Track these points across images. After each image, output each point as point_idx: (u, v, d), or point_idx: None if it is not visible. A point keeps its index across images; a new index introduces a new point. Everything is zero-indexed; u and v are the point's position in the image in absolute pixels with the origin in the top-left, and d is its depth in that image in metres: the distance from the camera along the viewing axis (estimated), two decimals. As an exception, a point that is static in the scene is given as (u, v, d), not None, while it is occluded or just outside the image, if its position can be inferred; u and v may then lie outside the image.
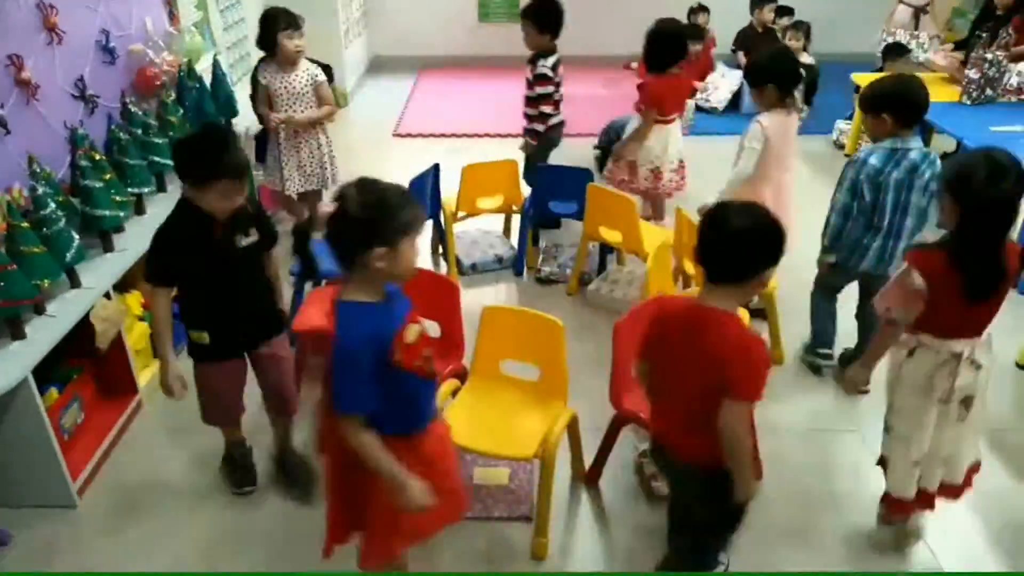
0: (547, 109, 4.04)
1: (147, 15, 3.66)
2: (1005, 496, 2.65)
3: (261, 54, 3.88)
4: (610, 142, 4.82)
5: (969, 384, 2.19)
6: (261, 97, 3.82)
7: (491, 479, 2.66)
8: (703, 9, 6.73)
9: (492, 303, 2.67)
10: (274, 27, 3.65)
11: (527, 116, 4.14)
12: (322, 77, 3.81)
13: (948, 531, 2.50)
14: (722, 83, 6.65)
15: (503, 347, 2.62)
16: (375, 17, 7.98)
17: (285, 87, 3.74)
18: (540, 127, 4.09)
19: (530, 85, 4.05)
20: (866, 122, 2.89)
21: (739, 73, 6.68)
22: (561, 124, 4.20)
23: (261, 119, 3.95)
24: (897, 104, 2.75)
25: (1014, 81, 5.03)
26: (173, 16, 3.95)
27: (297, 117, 3.77)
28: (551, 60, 3.96)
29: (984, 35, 5.38)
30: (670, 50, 3.97)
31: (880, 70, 6.00)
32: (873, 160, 2.79)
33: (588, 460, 2.67)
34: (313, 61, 3.87)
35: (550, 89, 4.00)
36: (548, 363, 2.55)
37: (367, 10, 7.84)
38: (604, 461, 2.65)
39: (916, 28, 6.32)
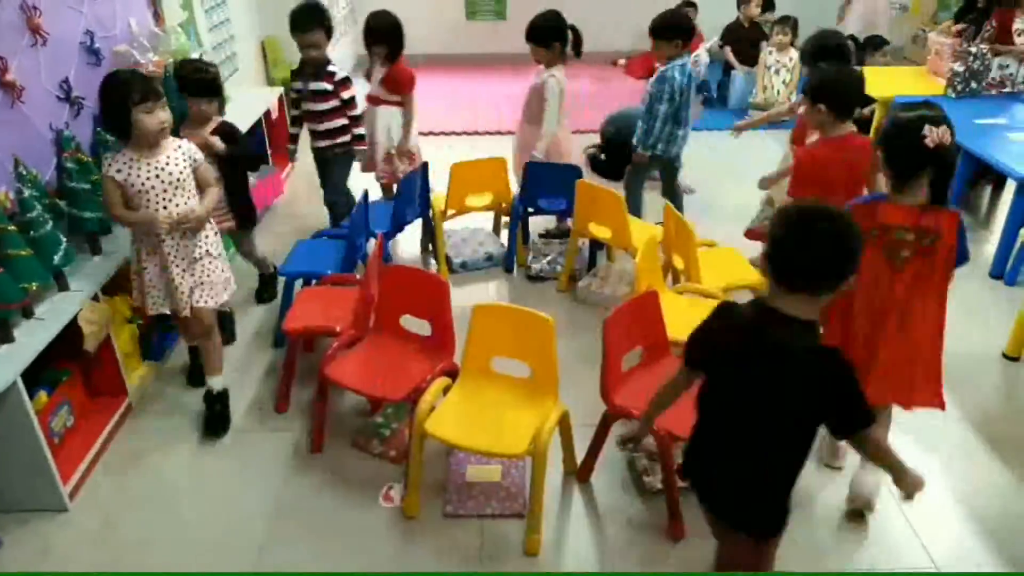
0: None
1: (132, 16, 3.64)
2: (995, 487, 2.67)
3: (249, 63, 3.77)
4: (616, 134, 4.83)
5: None
6: (113, 200, 2.63)
7: (484, 476, 2.67)
8: (691, 5, 6.75)
9: (482, 301, 2.67)
10: (124, 100, 2.51)
11: None
12: (200, 156, 2.78)
13: (938, 523, 2.52)
14: (700, 68, 6.71)
15: (494, 344, 2.62)
16: (362, 16, 7.90)
17: (154, 176, 2.62)
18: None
19: None
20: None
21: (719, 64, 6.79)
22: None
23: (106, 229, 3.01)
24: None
25: (997, 75, 5.07)
26: (158, 16, 3.93)
27: (196, 211, 2.69)
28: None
29: (968, 28, 5.42)
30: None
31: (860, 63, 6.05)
32: (678, 75, 3.79)
33: (580, 456, 2.68)
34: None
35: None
36: (539, 360, 2.56)
37: (354, 8, 7.82)
38: (596, 457, 2.66)
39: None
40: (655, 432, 2.38)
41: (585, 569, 2.39)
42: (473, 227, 4.35)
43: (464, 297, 3.65)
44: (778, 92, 6.31)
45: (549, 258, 4.07)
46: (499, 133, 5.97)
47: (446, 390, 2.59)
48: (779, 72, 6.35)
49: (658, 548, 2.44)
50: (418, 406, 2.47)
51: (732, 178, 5.24)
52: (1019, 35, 4.93)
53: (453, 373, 2.67)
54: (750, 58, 6.67)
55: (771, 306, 1.68)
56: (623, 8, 7.33)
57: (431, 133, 6.03)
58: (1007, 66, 5.04)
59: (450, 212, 4.03)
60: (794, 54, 6.26)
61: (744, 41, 6.74)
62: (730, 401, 1.75)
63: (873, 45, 6.11)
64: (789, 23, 6.30)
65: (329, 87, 3.85)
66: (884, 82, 5.29)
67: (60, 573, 2.35)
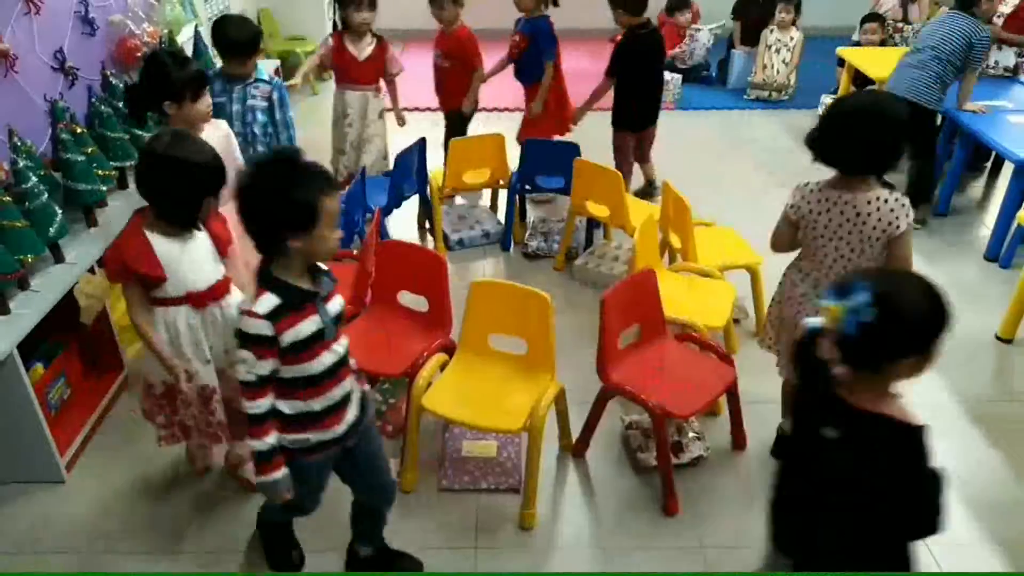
0: None
1: (126, -15, 3.58)
2: (989, 468, 2.69)
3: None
4: None
5: None
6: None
7: (480, 452, 2.68)
8: None
9: (479, 278, 2.68)
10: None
11: None
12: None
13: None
14: (696, 44, 6.68)
15: (492, 321, 2.63)
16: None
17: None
18: None
19: None
20: None
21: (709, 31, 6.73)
22: None
23: None
24: None
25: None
26: (153, -14, 3.87)
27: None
28: None
29: None
30: None
31: (857, 43, 6.00)
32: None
33: (576, 433, 2.70)
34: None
35: None
36: (536, 337, 2.56)
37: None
38: (591, 433, 2.68)
39: (905, 17, 6.19)
40: (650, 409, 2.40)
41: (579, 544, 2.41)
42: (470, 204, 4.34)
43: (460, 274, 3.66)
44: (777, 71, 6.26)
45: (546, 236, 4.06)
46: (496, 109, 5.93)
47: (443, 366, 2.60)
48: (779, 51, 6.28)
49: (652, 523, 2.46)
50: (415, 382, 2.48)
51: (731, 155, 5.23)
52: (999, 17, 4.89)
53: (450, 349, 2.68)
54: (755, 38, 6.59)
55: None
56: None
57: (428, 109, 5.98)
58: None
59: (447, 189, 4.02)
60: (796, 33, 6.21)
61: (754, 19, 6.55)
62: None
63: (871, 21, 6.02)
64: (792, 2, 6.19)
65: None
66: (885, 62, 5.27)
67: (60, 574, 2.34)
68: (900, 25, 6.07)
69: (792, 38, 6.23)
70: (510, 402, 2.45)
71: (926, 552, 2.36)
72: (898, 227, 2.16)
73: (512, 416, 2.39)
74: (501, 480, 2.59)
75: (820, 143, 2.21)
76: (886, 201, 2.17)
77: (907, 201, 2.19)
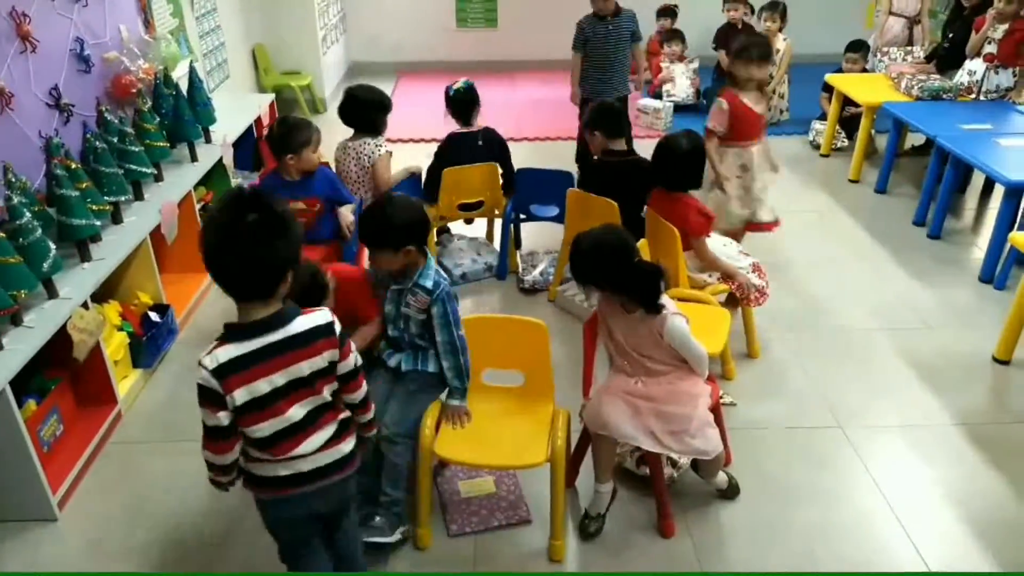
0: None
1: (122, 23, 3.63)
2: (987, 490, 2.67)
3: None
4: None
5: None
6: None
7: (478, 490, 2.64)
8: (670, 11, 7.12)
9: (475, 310, 2.66)
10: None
11: None
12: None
13: (931, 526, 2.53)
14: (678, 78, 6.75)
15: (485, 357, 2.57)
16: (353, 23, 7.97)
17: None
18: None
19: None
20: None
21: (692, 66, 6.81)
22: None
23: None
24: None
25: (964, 80, 5.10)
26: (148, 24, 3.93)
27: None
28: None
29: (952, 35, 5.46)
30: None
31: (839, 70, 6.06)
32: None
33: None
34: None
35: None
36: (534, 366, 2.54)
37: (345, 16, 7.83)
38: (580, 461, 2.64)
39: (910, 42, 6.21)
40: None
41: (596, 564, 2.38)
42: (468, 236, 4.34)
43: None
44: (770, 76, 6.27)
45: (540, 268, 4.04)
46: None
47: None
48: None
49: (649, 546, 2.45)
50: (420, 432, 2.37)
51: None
52: (990, 43, 4.95)
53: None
54: None
55: None
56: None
57: (422, 140, 6.03)
58: (974, 72, 5.06)
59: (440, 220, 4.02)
60: (782, 43, 6.18)
61: (735, 41, 6.63)
62: None
63: (854, 48, 6.07)
64: (778, 9, 6.17)
65: None
66: (871, 88, 5.34)
67: (59, 573, 2.33)
68: (911, 49, 6.05)
69: (778, 48, 6.16)
70: (520, 436, 2.42)
71: (924, 568, 2.35)
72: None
73: (531, 451, 2.35)
74: (511, 515, 2.54)
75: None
76: None
77: None
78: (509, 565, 2.40)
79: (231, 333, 1.68)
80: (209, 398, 1.66)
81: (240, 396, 1.66)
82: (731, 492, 2.60)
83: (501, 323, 2.63)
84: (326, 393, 1.79)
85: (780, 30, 6.23)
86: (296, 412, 1.75)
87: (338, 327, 1.78)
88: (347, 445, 1.88)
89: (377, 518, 2.37)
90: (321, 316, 1.76)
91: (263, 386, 1.68)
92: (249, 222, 1.59)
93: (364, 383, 1.90)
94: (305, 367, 1.73)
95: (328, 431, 1.83)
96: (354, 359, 1.83)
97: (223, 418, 1.67)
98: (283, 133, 3.24)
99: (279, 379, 1.70)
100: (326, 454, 1.83)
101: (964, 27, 5.29)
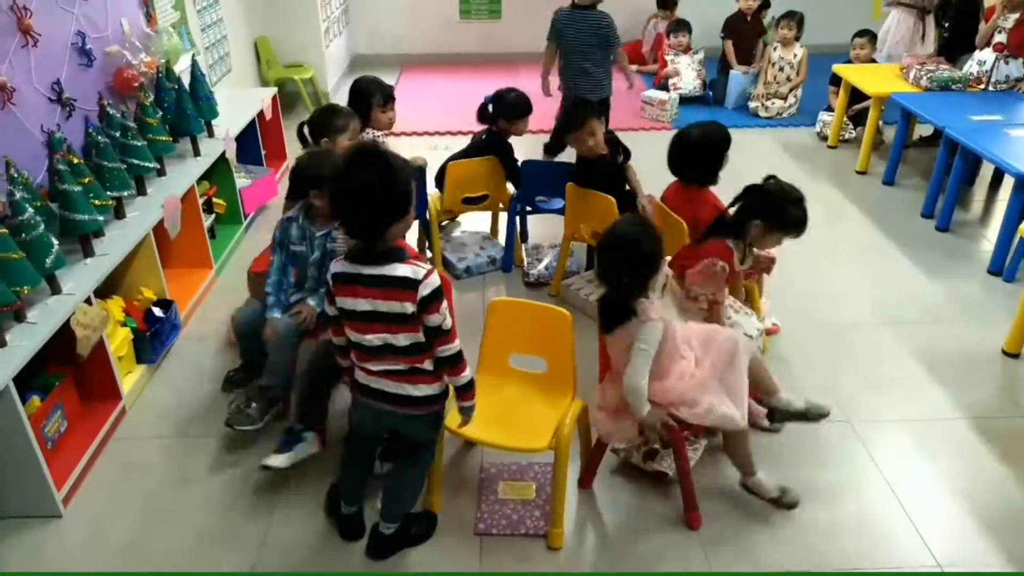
0: None
1: (123, 16, 3.61)
2: (997, 482, 2.66)
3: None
4: None
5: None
6: None
7: (518, 494, 2.61)
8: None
9: (479, 304, 2.65)
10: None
11: None
12: None
13: (940, 520, 2.51)
14: (684, 70, 6.68)
15: (511, 341, 2.59)
16: (356, 16, 7.94)
17: None
18: None
19: None
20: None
21: (697, 57, 6.73)
22: None
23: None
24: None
25: (974, 70, 5.04)
26: (150, 17, 3.91)
27: None
28: None
29: (948, 23, 5.42)
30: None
31: (848, 61, 6.01)
32: None
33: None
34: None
35: None
36: (556, 355, 2.53)
37: (348, 8, 7.80)
38: (596, 464, 2.63)
39: (922, 39, 6.03)
40: (668, 428, 2.38)
41: (602, 561, 2.38)
42: (472, 231, 4.32)
43: (462, 299, 3.64)
44: (779, 85, 6.25)
45: (546, 263, 4.03)
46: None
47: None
48: (783, 69, 6.23)
49: (677, 538, 2.44)
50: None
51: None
52: (1000, 33, 4.90)
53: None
54: (749, 56, 6.61)
55: None
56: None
57: (425, 133, 6.01)
58: (984, 62, 5.00)
59: (445, 213, 4.00)
60: (799, 50, 6.18)
61: (745, 37, 6.58)
62: None
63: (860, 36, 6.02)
64: (795, 18, 6.12)
65: None
66: (879, 79, 5.30)
67: (60, 573, 2.33)
68: (919, 54, 5.82)
69: (796, 55, 6.18)
70: (534, 421, 2.42)
71: (933, 564, 2.33)
72: None
73: (537, 435, 2.35)
74: (540, 525, 2.48)
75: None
76: None
77: None
78: (507, 551, 2.40)
79: (348, 253, 2.05)
80: (328, 292, 2.10)
81: (339, 302, 2.07)
82: (786, 502, 2.54)
83: (525, 308, 2.62)
84: (402, 338, 2.05)
85: (797, 39, 6.19)
86: (371, 340, 2.06)
87: (429, 288, 1.98)
88: (416, 389, 2.13)
89: (253, 404, 2.70)
90: (412, 271, 1.98)
91: (350, 303, 2.04)
92: (359, 176, 1.92)
93: (454, 344, 2.09)
94: (382, 306, 2.01)
95: (395, 366, 2.10)
96: (440, 318, 2.03)
97: (332, 311, 2.12)
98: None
99: (363, 304, 2.02)
100: (389, 383, 2.13)
101: (959, 14, 5.24)
